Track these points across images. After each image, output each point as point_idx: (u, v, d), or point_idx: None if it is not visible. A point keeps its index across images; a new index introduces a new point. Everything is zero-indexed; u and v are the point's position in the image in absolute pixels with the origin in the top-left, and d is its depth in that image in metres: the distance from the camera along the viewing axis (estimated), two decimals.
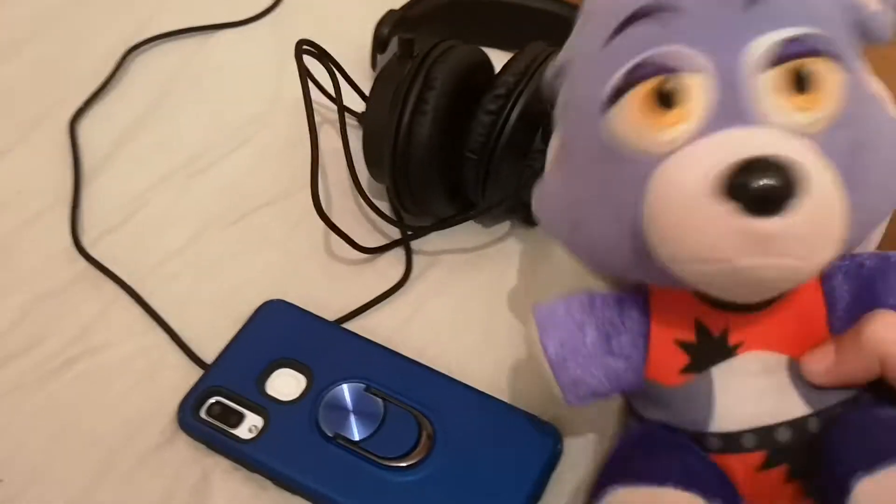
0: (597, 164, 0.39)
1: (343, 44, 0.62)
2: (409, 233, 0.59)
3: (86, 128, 0.67)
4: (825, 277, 0.39)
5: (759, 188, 0.32)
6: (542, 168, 0.53)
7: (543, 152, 0.53)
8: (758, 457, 0.38)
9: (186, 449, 0.49)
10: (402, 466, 0.46)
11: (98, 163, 0.65)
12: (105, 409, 0.51)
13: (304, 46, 0.57)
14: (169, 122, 0.69)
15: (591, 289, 0.43)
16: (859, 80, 0.37)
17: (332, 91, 0.60)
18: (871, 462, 0.33)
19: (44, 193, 0.62)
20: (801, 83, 0.34)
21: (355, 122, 0.65)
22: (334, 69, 0.59)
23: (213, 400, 0.49)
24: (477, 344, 0.54)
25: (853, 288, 0.39)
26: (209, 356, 0.52)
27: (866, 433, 0.36)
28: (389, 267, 0.58)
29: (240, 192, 0.63)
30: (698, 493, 0.36)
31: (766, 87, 0.34)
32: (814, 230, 0.33)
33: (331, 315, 0.55)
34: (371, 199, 0.58)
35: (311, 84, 0.58)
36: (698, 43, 0.35)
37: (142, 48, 0.74)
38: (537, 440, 0.47)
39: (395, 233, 0.60)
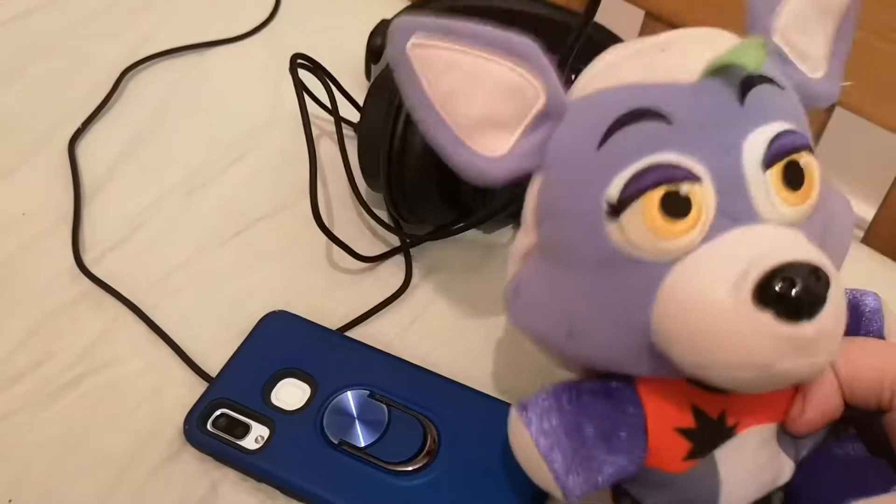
0: (597, 272, 0.37)
1: (338, 55, 0.63)
2: (408, 240, 0.60)
3: (85, 148, 0.68)
4: None
5: (801, 294, 0.32)
6: None
7: None
8: None
9: (194, 462, 0.49)
10: (409, 471, 0.46)
11: (98, 182, 0.65)
12: (112, 426, 0.51)
13: (299, 60, 0.58)
14: (167, 140, 0.69)
15: (568, 379, 0.41)
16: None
17: (327, 103, 0.60)
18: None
19: (45, 214, 0.63)
20: (794, 180, 0.35)
21: (352, 133, 0.65)
22: (329, 81, 0.59)
23: (218, 412, 0.49)
24: (479, 347, 0.55)
25: None
26: (214, 369, 0.52)
27: (819, 479, 0.39)
28: (390, 275, 0.59)
29: (239, 207, 0.64)
30: None
31: (765, 187, 0.35)
32: (838, 324, 0.34)
33: (333, 324, 0.55)
34: (371, 207, 0.59)
35: (307, 97, 0.58)
36: (695, 149, 0.35)
37: (138, 68, 0.75)
38: None
39: (394, 241, 0.61)
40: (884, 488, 0.36)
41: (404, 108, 0.53)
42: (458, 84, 0.38)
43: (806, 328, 0.32)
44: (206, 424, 0.49)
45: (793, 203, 0.36)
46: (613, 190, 0.35)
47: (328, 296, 0.58)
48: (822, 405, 0.38)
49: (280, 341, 0.53)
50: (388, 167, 0.54)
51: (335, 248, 0.58)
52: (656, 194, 0.34)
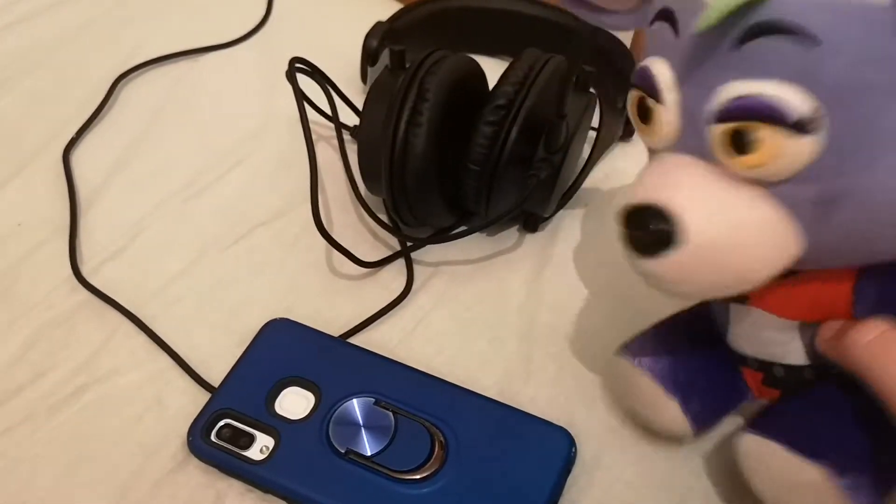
0: None
1: (331, 59, 0.62)
2: (410, 244, 0.59)
3: (80, 157, 0.67)
4: (861, 271, 0.38)
5: (636, 233, 0.36)
6: (547, 177, 0.53)
7: (547, 161, 0.53)
8: (759, 375, 0.45)
9: (199, 473, 0.49)
10: (417, 479, 0.46)
11: (93, 192, 0.65)
12: (115, 438, 0.50)
13: (297, 64, 0.57)
14: (162, 148, 0.69)
15: None
16: (851, 132, 0.32)
17: (324, 107, 0.60)
18: (752, 423, 0.42)
19: (42, 225, 0.62)
20: (737, 146, 0.33)
21: (348, 136, 0.65)
22: (327, 85, 0.59)
23: (222, 423, 0.49)
24: (483, 352, 0.54)
25: (882, 291, 0.38)
26: (216, 379, 0.52)
27: (790, 410, 0.43)
28: (391, 280, 0.58)
29: (237, 213, 0.63)
30: (674, 396, 0.45)
31: (716, 138, 0.34)
32: (688, 274, 0.35)
33: (335, 330, 0.54)
34: (374, 211, 0.58)
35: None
36: (681, 74, 0.35)
37: (131, 75, 0.74)
38: (551, 445, 0.47)
39: (394, 246, 0.60)
40: (819, 450, 0.39)
41: (405, 110, 0.52)
42: None
43: (643, 263, 0.36)
44: (209, 435, 0.48)
45: (733, 165, 0.34)
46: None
47: (329, 302, 0.57)
48: (830, 347, 0.40)
49: (282, 349, 0.52)
50: (389, 170, 0.53)
51: (335, 253, 0.58)
52: (637, 94, 0.37)
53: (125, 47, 0.77)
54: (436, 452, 0.47)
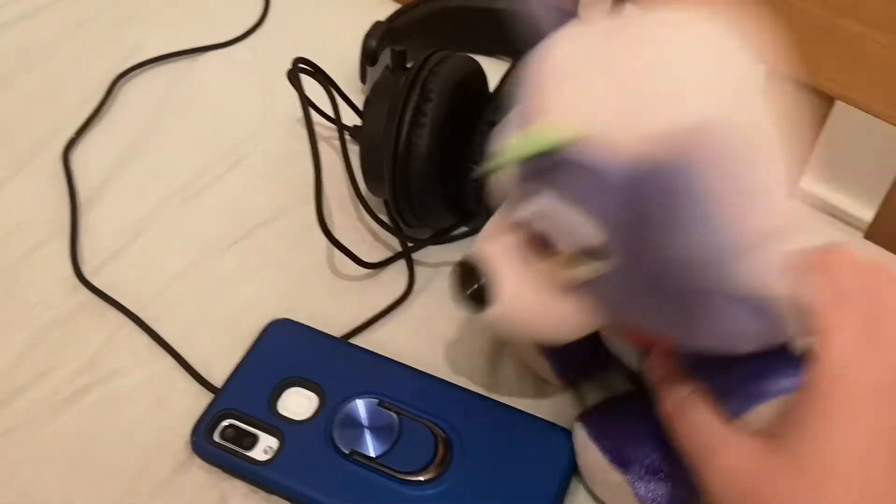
0: None
1: (328, 59, 0.62)
2: (410, 244, 0.59)
3: (79, 157, 0.67)
4: None
5: (459, 289, 0.41)
6: None
7: None
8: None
9: (202, 474, 0.49)
10: (421, 480, 0.46)
11: (94, 191, 0.65)
12: (118, 438, 0.50)
13: (300, 64, 0.57)
14: (161, 147, 0.69)
15: None
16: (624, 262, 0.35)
17: (324, 107, 0.59)
18: (586, 416, 0.47)
19: (42, 225, 0.62)
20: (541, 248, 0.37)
21: (347, 136, 0.64)
22: (329, 86, 0.59)
23: (225, 423, 0.48)
24: (485, 352, 0.54)
25: None
26: (218, 379, 0.52)
27: (615, 412, 0.48)
28: (392, 280, 0.58)
29: (237, 213, 0.63)
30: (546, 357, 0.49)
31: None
32: (505, 329, 0.41)
33: (337, 331, 0.54)
34: (375, 211, 0.58)
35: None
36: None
37: (130, 75, 0.74)
38: (556, 446, 0.47)
39: (395, 246, 0.60)
40: (623, 457, 0.44)
41: (409, 110, 0.52)
42: None
43: (474, 315, 0.40)
44: (213, 436, 0.48)
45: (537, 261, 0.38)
46: None
47: (330, 302, 0.57)
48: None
49: (285, 350, 0.52)
50: (392, 170, 0.53)
51: (336, 254, 0.58)
52: None
53: (124, 46, 0.76)
54: (440, 454, 0.47)
